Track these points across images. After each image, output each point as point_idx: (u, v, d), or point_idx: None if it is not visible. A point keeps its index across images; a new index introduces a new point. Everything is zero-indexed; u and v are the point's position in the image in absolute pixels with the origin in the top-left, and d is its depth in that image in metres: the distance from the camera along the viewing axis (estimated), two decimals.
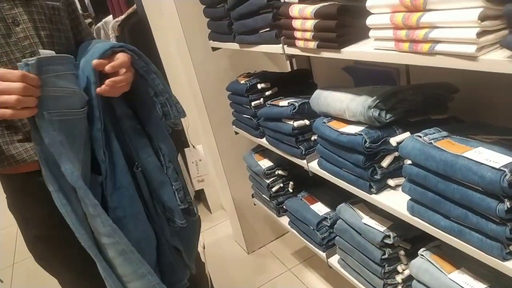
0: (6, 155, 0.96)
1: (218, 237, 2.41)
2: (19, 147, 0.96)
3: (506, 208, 0.71)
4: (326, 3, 1.01)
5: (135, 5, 2.33)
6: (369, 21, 0.86)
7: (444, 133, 0.89)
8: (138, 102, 1.05)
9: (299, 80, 1.67)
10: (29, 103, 0.81)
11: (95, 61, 0.92)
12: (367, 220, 1.21)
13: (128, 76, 0.97)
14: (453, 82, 1.06)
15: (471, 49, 0.66)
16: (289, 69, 1.94)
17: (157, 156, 1.08)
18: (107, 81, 0.93)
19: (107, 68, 0.92)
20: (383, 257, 1.14)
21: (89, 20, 4.08)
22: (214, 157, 2.07)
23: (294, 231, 1.64)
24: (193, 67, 1.83)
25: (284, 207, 1.69)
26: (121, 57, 0.95)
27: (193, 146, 1.41)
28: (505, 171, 0.70)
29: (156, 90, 1.05)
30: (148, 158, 1.07)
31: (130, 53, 0.98)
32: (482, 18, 0.64)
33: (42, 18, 0.98)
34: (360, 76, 1.52)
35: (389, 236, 1.12)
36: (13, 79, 0.78)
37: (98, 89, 0.93)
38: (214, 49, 1.70)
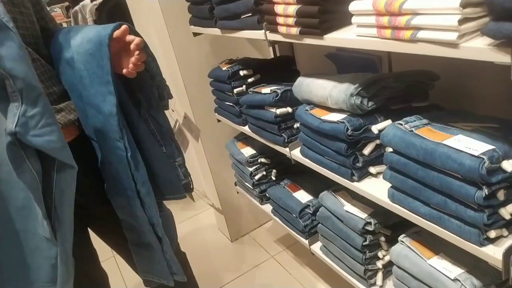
0: None
1: (201, 225, 2.40)
2: None
3: (484, 195, 0.72)
4: None
5: None
6: (352, 7, 0.84)
7: (425, 121, 0.89)
8: (137, 84, 1.05)
9: (282, 67, 1.65)
10: None
11: (120, 34, 0.91)
12: (348, 207, 1.21)
13: (144, 56, 0.96)
14: (435, 69, 1.06)
15: (452, 36, 0.66)
16: (272, 56, 1.92)
17: (159, 134, 1.10)
18: (134, 59, 0.93)
19: (133, 46, 0.92)
20: (364, 243, 1.15)
21: (66, 4, 3.96)
22: (196, 145, 2.05)
23: (277, 219, 1.64)
24: (174, 53, 1.79)
25: (267, 195, 1.68)
26: (134, 37, 0.93)
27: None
28: (483, 159, 0.71)
29: (151, 72, 1.05)
30: (150, 139, 1.08)
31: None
32: (464, 5, 0.63)
33: (4, 0, 0.90)
34: (343, 63, 1.52)
35: (370, 223, 1.13)
36: None
37: (125, 71, 0.94)
38: (195, 34, 1.67)
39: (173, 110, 1.25)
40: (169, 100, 1.15)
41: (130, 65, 0.95)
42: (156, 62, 1.07)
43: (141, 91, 1.07)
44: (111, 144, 0.98)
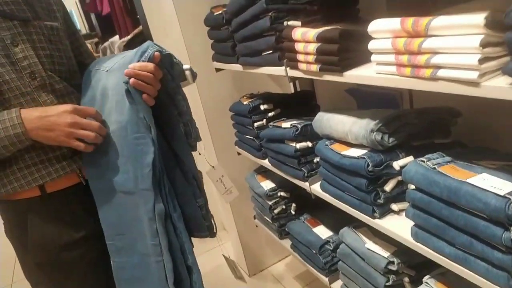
0: (10, 179, 0.95)
1: (219, 259, 2.38)
2: (25, 172, 0.96)
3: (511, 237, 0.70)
4: (328, 27, 1.02)
5: (140, 26, 2.37)
6: (371, 45, 0.86)
7: (448, 158, 0.88)
8: (164, 118, 1.05)
9: (302, 102, 1.67)
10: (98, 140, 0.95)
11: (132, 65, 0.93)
12: (370, 245, 1.18)
13: (154, 82, 0.95)
14: (456, 106, 1.05)
15: (473, 75, 0.66)
16: (292, 91, 1.95)
17: (181, 170, 1.09)
18: (131, 65, 0.93)
19: (127, 71, 0.92)
20: (387, 283, 1.11)
21: (95, 40, 4.15)
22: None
23: (296, 255, 1.61)
24: (196, 87, 1.84)
25: (286, 229, 1.66)
26: (151, 68, 0.93)
27: (213, 167, 1.47)
28: (510, 199, 0.69)
29: (180, 110, 1.05)
30: (174, 171, 1.07)
31: (165, 70, 0.99)
32: (484, 44, 0.64)
33: (41, 38, 0.97)
34: (363, 99, 1.52)
35: (393, 262, 1.10)
36: (92, 115, 0.95)
37: (132, 81, 0.92)
38: (217, 70, 1.72)
39: (200, 154, 1.29)
40: (197, 143, 1.14)
41: (144, 96, 0.94)
42: (187, 102, 1.07)
43: (167, 125, 1.07)
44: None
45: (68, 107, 0.92)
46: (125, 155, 0.97)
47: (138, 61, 0.93)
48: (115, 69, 1.00)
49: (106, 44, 3.02)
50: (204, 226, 1.14)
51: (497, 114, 1.05)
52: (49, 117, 0.90)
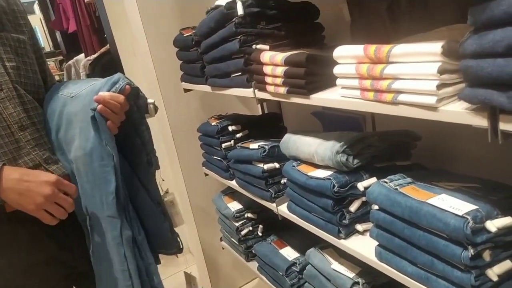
0: None
1: (184, 282, 2.31)
2: None
3: (470, 255, 0.72)
4: (295, 52, 1.05)
5: (108, 45, 2.35)
6: (336, 70, 0.89)
7: (409, 179, 0.91)
8: (128, 147, 1.09)
9: (269, 124, 1.69)
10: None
11: (103, 94, 0.95)
12: (336, 265, 1.19)
13: (120, 112, 0.98)
14: (417, 129, 1.10)
15: (431, 100, 0.69)
16: (260, 112, 1.97)
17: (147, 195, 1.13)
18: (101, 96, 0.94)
19: (97, 97, 0.94)
20: None
21: (60, 58, 4.06)
22: (182, 198, 2.03)
23: (263, 277, 1.59)
24: (164, 107, 1.83)
25: (253, 251, 1.65)
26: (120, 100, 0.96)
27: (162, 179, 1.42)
28: (467, 218, 0.72)
29: (143, 139, 1.09)
30: (142, 195, 1.10)
31: (132, 102, 1.03)
32: (441, 71, 0.67)
33: (8, 49, 0.96)
34: (328, 121, 1.56)
35: (358, 283, 1.11)
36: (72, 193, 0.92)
37: (100, 107, 0.93)
38: (186, 90, 1.71)
39: (163, 180, 1.29)
40: (157, 170, 1.17)
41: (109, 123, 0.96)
42: (149, 131, 1.11)
43: (131, 154, 1.10)
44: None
45: (51, 177, 0.89)
46: (90, 181, 0.97)
47: (108, 91, 0.96)
48: (82, 95, 1.01)
49: (71, 62, 2.95)
50: (172, 244, 1.19)
51: (453, 137, 1.11)
52: (29, 182, 0.87)
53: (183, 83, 1.69)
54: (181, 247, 1.23)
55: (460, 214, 0.73)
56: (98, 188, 0.97)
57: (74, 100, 1.02)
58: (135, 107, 1.05)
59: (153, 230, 1.11)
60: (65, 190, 0.91)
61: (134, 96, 1.04)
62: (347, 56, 0.85)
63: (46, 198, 0.87)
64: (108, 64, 2.36)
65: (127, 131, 1.05)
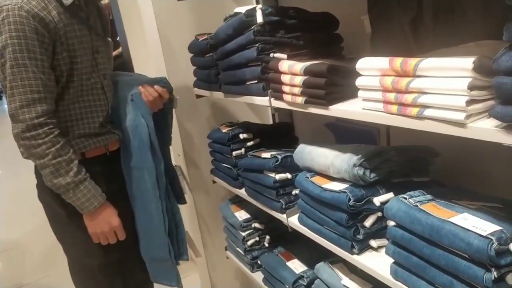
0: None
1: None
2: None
3: (493, 278, 0.70)
4: (314, 62, 1.03)
5: (120, 48, 2.35)
6: (359, 82, 0.87)
7: (429, 197, 0.89)
8: (159, 126, 1.49)
9: (281, 133, 1.67)
10: None
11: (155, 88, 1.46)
12: (346, 281, 1.16)
13: (160, 100, 1.46)
14: (435, 145, 1.08)
15: (460, 116, 0.68)
16: (271, 122, 1.95)
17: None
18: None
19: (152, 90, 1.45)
20: None
21: None
22: (188, 204, 2.00)
23: None
24: (175, 112, 1.81)
25: (259, 262, 1.62)
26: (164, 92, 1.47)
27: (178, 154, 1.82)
28: (492, 239, 0.70)
29: (167, 124, 1.58)
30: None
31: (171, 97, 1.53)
32: (471, 87, 0.66)
33: (108, 50, 1.38)
34: (341, 133, 1.55)
35: None
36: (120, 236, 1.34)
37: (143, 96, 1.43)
38: (198, 96, 1.71)
39: (179, 155, 1.75)
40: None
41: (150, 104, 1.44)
42: (172, 118, 1.61)
43: (160, 131, 1.47)
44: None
45: (117, 223, 1.30)
46: (136, 140, 1.39)
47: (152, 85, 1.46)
48: (132, 84, 1.45)
49: None
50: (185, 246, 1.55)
51: (474, 155, 1.08)
52: (108, 219, 1.28)
53: (195, 89, 1.68)
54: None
55: (484, 234, 0.71)
56: (139, 148, 1.38)
57: (124, 86, 1.44)
58: (168, 100, 1.49)
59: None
60: (116, 233, 1.32)
61: (169, 92, 1.50)
62: (371, 68, 0.84)
63: (103, 232, 1.30)
64: (119, 68, 2.35)
65: (160, 116, 1.49)
